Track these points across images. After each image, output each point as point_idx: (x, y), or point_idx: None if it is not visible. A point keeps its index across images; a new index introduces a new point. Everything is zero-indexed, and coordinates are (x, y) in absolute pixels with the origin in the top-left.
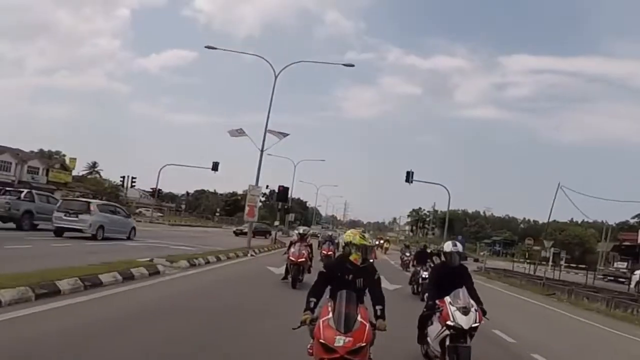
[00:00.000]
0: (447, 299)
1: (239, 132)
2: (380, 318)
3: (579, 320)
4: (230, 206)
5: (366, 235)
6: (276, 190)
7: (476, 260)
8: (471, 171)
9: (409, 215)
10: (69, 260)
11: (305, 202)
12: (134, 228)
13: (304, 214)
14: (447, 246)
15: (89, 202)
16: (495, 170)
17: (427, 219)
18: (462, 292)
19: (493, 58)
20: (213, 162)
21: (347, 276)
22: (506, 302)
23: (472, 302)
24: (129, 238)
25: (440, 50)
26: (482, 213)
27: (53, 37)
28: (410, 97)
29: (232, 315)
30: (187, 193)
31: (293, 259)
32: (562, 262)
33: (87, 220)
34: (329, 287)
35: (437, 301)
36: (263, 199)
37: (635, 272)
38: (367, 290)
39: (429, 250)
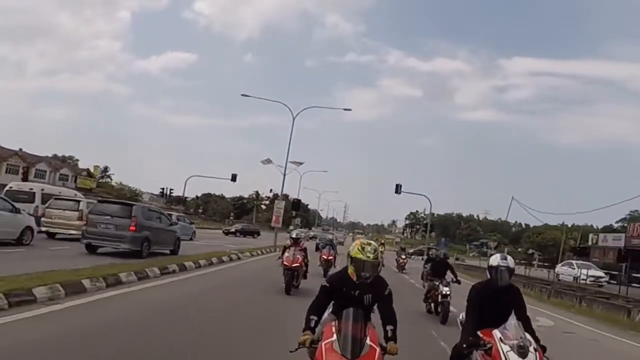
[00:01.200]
0: (497, 333)
1: (268, 161)
2: (391, 340)
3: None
4: (238, 209)
5: (370, 247)
6: (275, 194)
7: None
8: (470, 174)
9: (406, 218)
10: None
11: (307, 205)
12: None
13: (306, 216)
14: (494, 260)
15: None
16: (494, 173)
17: (424, 222)
18: (515, 324)
19: (493, 61)
20: (232, 174)
21: (353, 291)
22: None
23: (528, 337)
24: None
25: (440, 52)
26: (475, 216)
27: (54, 40)
28: (411, 100)
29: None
30: (197, 197)
31: (287, 264)
32: (536, 262)
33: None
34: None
35: (479, 333)
36: (267, 202)
37: (558, 266)
38: (376, 307)
39: (438, 257)
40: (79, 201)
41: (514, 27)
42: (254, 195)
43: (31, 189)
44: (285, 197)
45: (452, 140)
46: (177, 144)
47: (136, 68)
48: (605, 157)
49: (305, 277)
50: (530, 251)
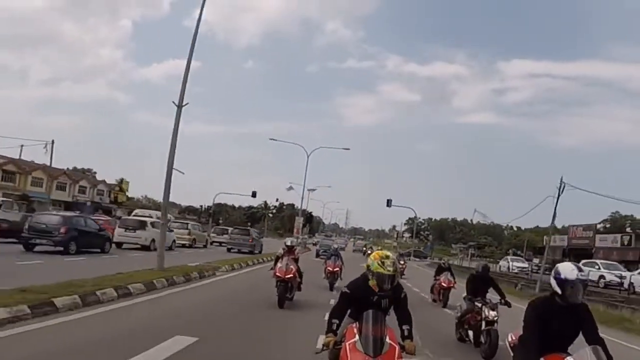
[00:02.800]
0: None
1: (290, 189)
2: (407, 338)
3: None
4: (249, 219)
5: (389, 260)
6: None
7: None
8: (469, 177)
9: (404, 224)
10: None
11: (310, 212)
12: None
13: (310, 223)
14: (569, 271)
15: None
16: (492, 175)
17: (422, 227)
18: (591, 351)
19: (492, 64)
20: (252, 191)
21: (371, 297)
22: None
23: None
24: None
25: (439, 56)
26: (469, 220)
27: (57, 48)
28: (410, 104)
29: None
30: (210, 207)
31: (280, 275)
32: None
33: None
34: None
35: None
36: (274, 211)
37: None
38: (392, 310)
39: (477, 271)
40: (187, 223)
41: (513, 29)
42: (263, 205)
43: (150, 215)
44: (304, 212)
45: (451, 144)
46: (181, 151)
47: (137, 75)
48: (604, 158)
49: (299, 288)
50: (510, 251)
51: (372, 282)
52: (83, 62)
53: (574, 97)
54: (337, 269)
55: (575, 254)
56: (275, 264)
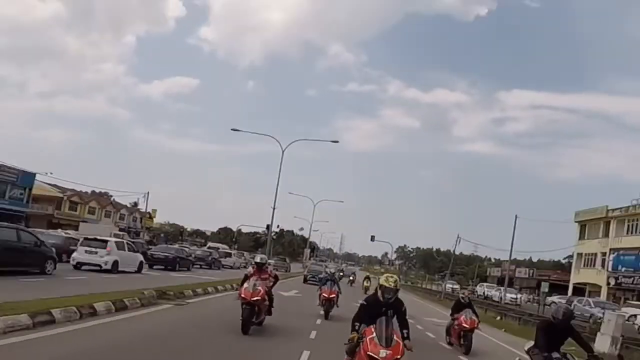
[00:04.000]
0: None
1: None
2: (406, 339)
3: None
4: (254, 243)
5: (392, 279)
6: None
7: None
8: (465, 205)
9: (395, 252)
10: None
11: (307, 238)
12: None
13: (313, 252)
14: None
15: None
16: (489, 205)
17: (411, 255)
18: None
19: (492, 94)
20: (267, 224)
21: (382, 308)
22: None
23: None
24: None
25: (440, 83)
26: (451, 251)
27: (58, 62)
28: (410, 130)
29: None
30: (219, 232)
31: (245, 296)
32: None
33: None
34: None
35: None
36: (275, 237)
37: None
38: (395, 319)
39: (556, 317)
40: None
41: (514, 59)
42: (265, 231)
43: (217, 248)
44: (310, 243)
45: (449, 172)
46: (180, 169)
47: (139, 92)
48: (603, 191)
49: (269, 312)
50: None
51: (378, 293)
52: (83, 76)
53: (575, 129)
54: (334, 295)
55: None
56: (242, 284)
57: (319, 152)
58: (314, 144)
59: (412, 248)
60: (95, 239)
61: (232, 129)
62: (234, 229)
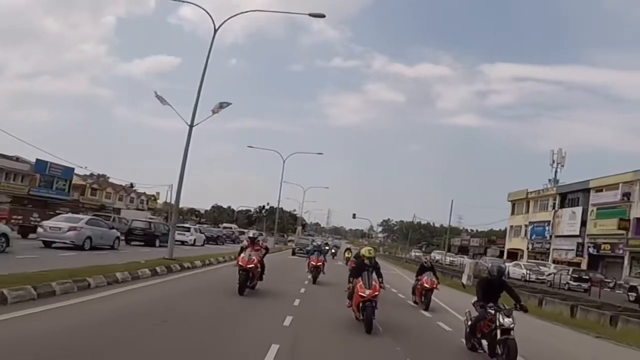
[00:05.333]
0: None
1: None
2: (381, 283)
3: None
4: (247, 220)
5: (372, 250)
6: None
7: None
8: (451, 179)
9: (379, 225)
10: None
11: (294, 211)
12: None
13: (294, 223)
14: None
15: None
16: (473, 178)
17: (394, 228)
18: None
19: (476, 66)
20: (260, 206)
21: (365, 267)
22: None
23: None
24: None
25: (424, 58)
26: (431, 224)
27: (39, 43)
28: (395, 104)
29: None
30: (213, 210)
31: (242, 264)
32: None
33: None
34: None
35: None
36: (266, 213)
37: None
38: (375, 272)
39: (490, 274)
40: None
41: (497, 32)
42: (258, 209)
43: (231, 227)
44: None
45: (434, 145)
46: (163, 147)
47: (120, 71)
48: (586, 162)
49: (261, 278)
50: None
51: (364, 259)
52: (64, 57)
53: (557, 100)
54: (320, 263)
55: (461, 250)
56: (239, 254)
57: (305, 129)
58: (304, 119)
59: (395, 221)
60: (182, 226)
61: (248, 146)
62: (225, 207)
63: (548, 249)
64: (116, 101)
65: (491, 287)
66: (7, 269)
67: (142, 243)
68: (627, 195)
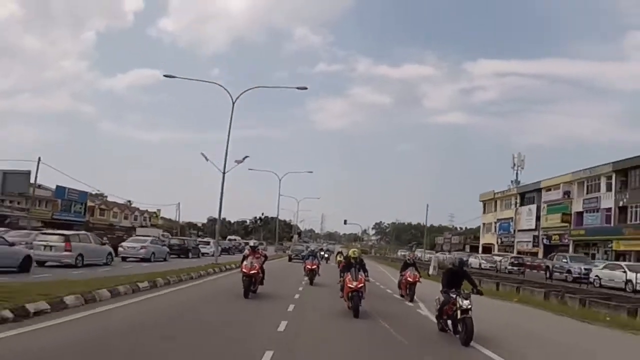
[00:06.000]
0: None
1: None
2: (366, 276)
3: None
4: (244, 230)
5: (357, 251)
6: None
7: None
8: (442, 178)
9: (373, 228)
10: None
11: (289, 221)
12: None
13: (289, 232)
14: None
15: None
16: (465, 176)
17: (386, 230)
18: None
19: (459, 64)
20: (259, 217)
21: (353, 265)
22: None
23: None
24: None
25: (408, 58)
26: (420, 224)
27: (18, 60)
28: (381, 106)
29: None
30: (210, 223)
31: (245, 271)
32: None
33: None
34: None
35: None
36: (262, 224)
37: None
38: (361, 269)
39: (454, 265)
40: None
41: (478, 30)
42: (254, 220)
43: (236, 239)
44: (297, 229)
45: (424, 145)
46: (148, 160)
47: (103, 86)
48: (570, 155)
49: (262, 283)
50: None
51: (351, 259)
52: (45, 74)
53: (541, 94)
54: (315, 266)
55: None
56: (242, 262)
57: (293, 135)
58: (291, 124)
59: (387, 223)
60: (204, 240)
61: (249, 169)
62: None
63: (513, 242)
64: (100, 116)
65: (454, 276)
66: (124, 272)
67: (177, 255)
68: (567, 194)
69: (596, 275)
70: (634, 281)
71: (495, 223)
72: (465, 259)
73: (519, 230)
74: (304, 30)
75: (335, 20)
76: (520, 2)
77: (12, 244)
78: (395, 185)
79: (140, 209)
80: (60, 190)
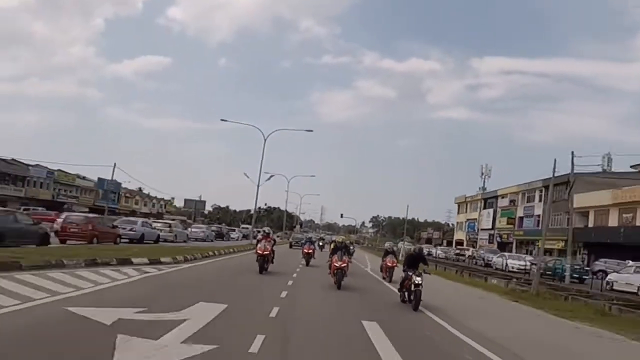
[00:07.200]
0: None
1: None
2: (350, 258)
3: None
4: (248, 220)
5: (344, 238)
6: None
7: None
8: (443, 173)
9: (370, 221)
10: None
11: (291, 212)
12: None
13: (290, 221)
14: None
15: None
16: (465, 171)
17: (383, 224)
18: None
19: (465, 61)
20: (260, 207)
21: (339, 248)
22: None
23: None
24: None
25: (414, 53)
26: (415, 219)
27: (28, 46)
28: (386, 100)
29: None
30: (216, 211)
31: (260, 252)
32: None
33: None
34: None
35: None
36: (265, 213)
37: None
38: (346, 252)
39: (414, 251)
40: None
41: (485, 27)
42: (258, 209)
43: (248, 227)
44: (297, 220)
45: (425, 139)
46: (154, 147)
47: (109, 72)
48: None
49: (272, 261)
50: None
51: (339, 243)
52: (53, 59)
53: (546, 92)
54: (311, 250)
55: (427, 241)
56: (256, 245)
57: (296, 126)
58: (293, 118)
59: (384, 217)
60: (230, 228)
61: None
62: (222, 207)
63: (476, 239)
64: (106, 102)
65: (413, 259)
66: (202, 246)
67: (218, 238)
68: (513, 202)
69: (494, 262)
70: (508, 264)
71: (465, 222)
72: (422, 247)
73: (481, 229)
74: (310, 22)
75: (342, 13)
76: (528, 0)
77: (36, 223)
78: (394, 179)
79: (157, 197)
80: (101, 181)
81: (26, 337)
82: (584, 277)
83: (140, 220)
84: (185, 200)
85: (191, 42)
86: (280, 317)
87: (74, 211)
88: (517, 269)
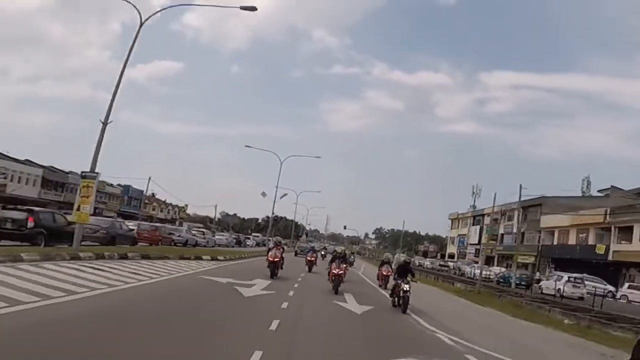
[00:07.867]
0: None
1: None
2: (347, 266)
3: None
4: (257, 228)
5: (342, 248)
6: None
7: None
8: (447, 185)
9: (373, 233)
10: None
11: (297, 222)
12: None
13: (297, 230)
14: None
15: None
16: (468, 185)
17: (386, 235)
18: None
19: (474, 75)
20: (268, 215)
21: (337, 257)
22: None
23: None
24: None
25: (423, 66)
26: (417, 232)
27: (46, 48)
28: (394, 111)
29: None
30: (223, 216)
31: (271, 259)
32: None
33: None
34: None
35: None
36: (274, 222)
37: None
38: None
39: (405, 262)
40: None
41: (495, 41)
42: (266, 218)
43: (258, 235)
44: (303, 229)
45: (432, 152)
46: (166, 151)
47: (124, 76)
48: (581, 169)
49: (282, 267)
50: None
51: (338, 253)
52: (68, 62)
53: (554, 108)
54: (313, 259)
55: (424, 254)
56: (268, 252)
57: (304, 136)
58: (300, 131)
59: (387, 229)
60: (247, 236)
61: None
62: (230, 214)
63: (465, 252)
64: (119, 106)
65: (403, 269)
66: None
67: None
68: (495, 220)
69: (467, 271)
70: (475, 274)
71: (457, 237)
72: (412, 259)
73: (469, 244)
74: (323, 32)
75: (355, 24)
76: (538, 15)
77: (131, 230)
78: (399, 191)
79: (172, 204)
80: (126, 188)
81: (191, 289)
82: (530, 284)
83: (184, 228)
84: (222, 215)
85: (203, 48)
86: (293, 297)
87: (104, 216)
88: (483, 277)
